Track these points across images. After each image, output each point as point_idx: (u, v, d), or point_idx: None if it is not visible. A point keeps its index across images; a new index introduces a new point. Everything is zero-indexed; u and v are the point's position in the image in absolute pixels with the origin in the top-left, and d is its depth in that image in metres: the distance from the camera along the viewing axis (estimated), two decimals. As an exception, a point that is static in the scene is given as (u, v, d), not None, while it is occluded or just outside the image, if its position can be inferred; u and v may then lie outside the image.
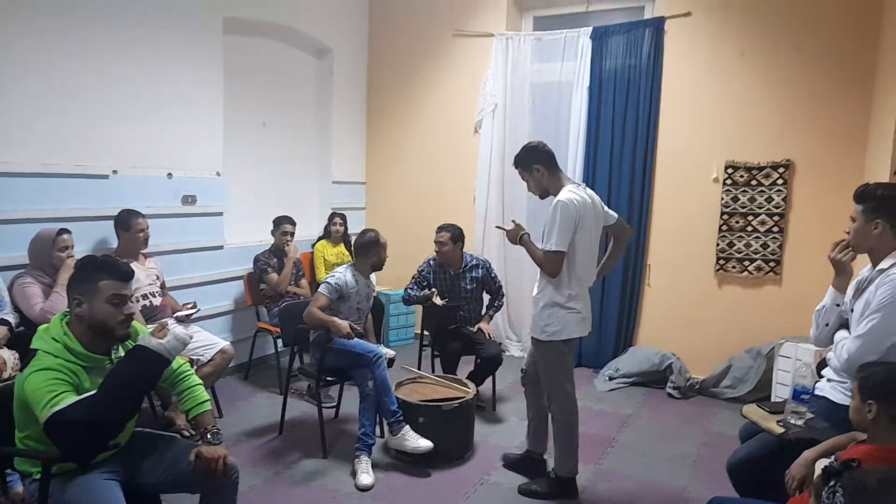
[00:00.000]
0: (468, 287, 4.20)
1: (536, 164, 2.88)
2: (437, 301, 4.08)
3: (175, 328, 1.99)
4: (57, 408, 1.77)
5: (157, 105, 4.02)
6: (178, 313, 3.74)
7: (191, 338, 2.02)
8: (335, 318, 3.30)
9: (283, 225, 4.55)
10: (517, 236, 2.92)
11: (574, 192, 2.78)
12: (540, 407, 3.13)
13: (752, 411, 2.40)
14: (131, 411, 1.96)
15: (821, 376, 2.40)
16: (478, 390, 3.95)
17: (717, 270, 4.68)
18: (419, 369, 4.07)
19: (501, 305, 4.41)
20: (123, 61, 3.78)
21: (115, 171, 3.79)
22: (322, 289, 3.42)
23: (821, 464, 1.94)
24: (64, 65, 3.47)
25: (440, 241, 4.12)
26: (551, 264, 2.74)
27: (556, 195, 2.82)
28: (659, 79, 4.78)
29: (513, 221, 2.99)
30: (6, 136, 3.25)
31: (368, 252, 3.53)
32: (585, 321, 2.90)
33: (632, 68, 4.87)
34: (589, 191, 2.90)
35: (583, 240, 2.79)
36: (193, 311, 3.82)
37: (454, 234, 4.15)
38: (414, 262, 4.37)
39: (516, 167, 2.98)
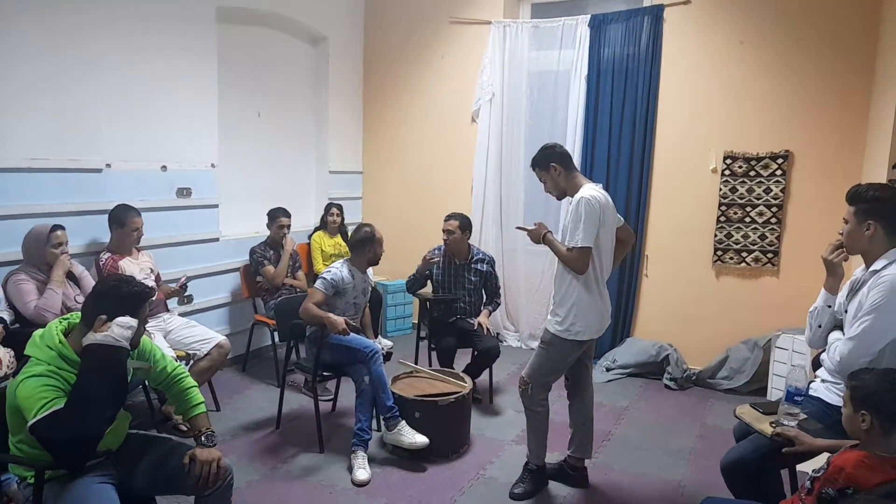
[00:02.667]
0: (472, 279, 4.17)
1: (553, 163, 2.86)
2: (434, 259, 4.09)
3: (116, 319, 1.96)
4: (43, 414, 1.77)
5: (150, 97, 3.97)
6: (173, 286, 3.72)
7: (133, 320, 1.98)
8: (331, 315, 3.29)
9: (279, 218, 4.51)
10: (540, 236, 2.89)
11: (595, 190, 2.78)
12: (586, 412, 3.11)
13: (746, 412, 2.40)
14: (111, 412, 1.94)
15: (815, 375, 2.40)
16: (475, 383, 3.96)
17: (715, 262, 4.67)
18: (416, 362, 4.08)
19: (499, 305, 4.41)
20: (115, 53, 3.72)
21: (108, 165, 3.75)
22: (318, 284, 3.41)
23: (818, 461, 1.94)
24: (53, 57, 3.41)
25: (448, 230, 4.08)
26: (579, 261, 2.70)
27: (573, 195, 2.80)
28: (657, 68, 4.73)
29: (535, 223, 2.96)
30: (-4, 131, 3.21)
31: (364, 248, 3.52)
32: (604, 320, 2.89)
33: (630, 57, 4.82)
34: (604, 191, 2.89)
35: (604, 237, 2.78)
36: (184, 280, 3.77)
37: (462, 223, 4.11)
38: (411, 251, 4.34)
39: (534, 168, 2.96)
